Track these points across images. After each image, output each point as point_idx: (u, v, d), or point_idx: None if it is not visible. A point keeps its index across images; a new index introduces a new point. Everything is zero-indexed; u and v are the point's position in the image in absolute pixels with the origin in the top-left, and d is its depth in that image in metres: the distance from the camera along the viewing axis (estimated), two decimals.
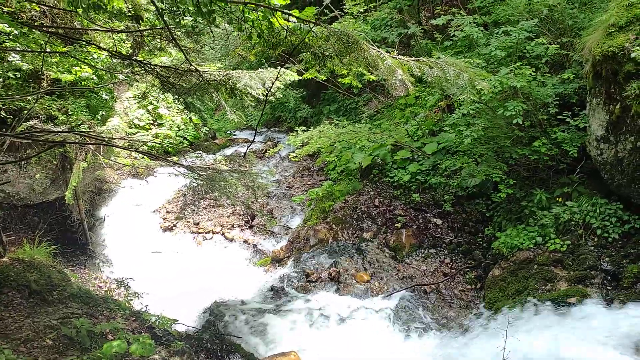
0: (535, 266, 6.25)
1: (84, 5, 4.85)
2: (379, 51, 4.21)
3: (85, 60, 8.37)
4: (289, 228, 9.99)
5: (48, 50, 6.79)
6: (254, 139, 8.87)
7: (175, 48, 6.90)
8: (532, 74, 6.71)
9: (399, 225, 8.19)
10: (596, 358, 4.06)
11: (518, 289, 6.12)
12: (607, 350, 4.28)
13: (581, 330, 4.68)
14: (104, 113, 10.80)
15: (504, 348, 3.72)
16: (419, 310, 6.44)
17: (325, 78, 7.82)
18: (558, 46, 7.17)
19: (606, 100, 6.05)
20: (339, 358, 5.49)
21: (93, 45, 6.89)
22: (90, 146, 8.00)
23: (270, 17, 3.79)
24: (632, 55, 5.05)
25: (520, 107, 6.45)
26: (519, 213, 7.13)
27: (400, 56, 4.41)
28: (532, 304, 5.40)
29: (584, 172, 6.86)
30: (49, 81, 9.00)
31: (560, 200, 6.75)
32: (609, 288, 5.63)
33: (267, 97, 4.89)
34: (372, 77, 4.99)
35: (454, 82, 4.50)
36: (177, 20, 4.73)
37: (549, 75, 7.20)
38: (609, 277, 5.76)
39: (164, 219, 10.47)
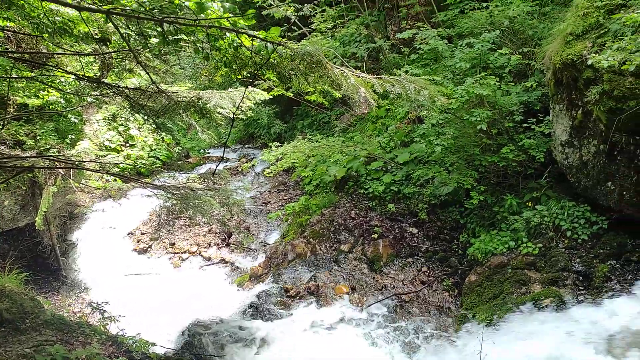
0: (510, 270, 6.37)
1: (49, 30, 4.83)
2: (342, 70, 4.30)
3: (53, 84, 8.27)
4: (267, 244, 9.96)
5: (14, 75, 6.70)
6: (222, 156, 8.86)
7: (144, 69, 6.89)
8: (497, 83, 6.92)
9: (375, 235, 8.25)
10: (571, 356, 4.16)
11: (494, 294, 6.23)
12: (581, 347, 4.38)
13: (555, 330, 4.79)
14: (73, 136, 10.65)
15: (480, 351, 3.78)
16: (399, 319, 6.48)
17: (292, 95, 7.92)
18: (520, 56, 7.41)
19: (568, 106, 6.27)
20: None
21: (60, 69, 6.82)
22: (60, 170, 7.88)
23: (236, 42, 3.84)
24: (589, 62, 5.26)
25: (485, 113, 6.63)
26: (491, 219, 7.28)
27: (363, 74, 4.51)
28: (508, 308, 5.50)
29: (552, 177, 7.06)
30: (15, 106, 8.85)
31: (530, 204, 6.93)
32: (581, 288, 5.79)
33: (236, 116, 4.92)
34: (338, 95, 5.08)
35: (415, 98, 4.62)
36: (143, 43, 4.74)
37: (513, 84, 7.43)
38: (581, 278, 5.92)
39: (138, 240, 10.32)
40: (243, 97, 4.85)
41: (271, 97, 6.69)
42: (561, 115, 6.44)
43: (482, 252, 6.86)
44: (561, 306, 5.37)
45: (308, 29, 11.57)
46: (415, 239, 8.18)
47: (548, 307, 5.36)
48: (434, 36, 8.24)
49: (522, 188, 7.23)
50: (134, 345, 5.43)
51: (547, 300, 5.47)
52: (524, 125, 7.04)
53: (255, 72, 4.10)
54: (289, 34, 11.32)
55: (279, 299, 7.25)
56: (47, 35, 5.17)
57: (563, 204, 6.59)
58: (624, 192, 5.77)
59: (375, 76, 4.56)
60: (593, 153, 6.05)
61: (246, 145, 17.41)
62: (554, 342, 4.56)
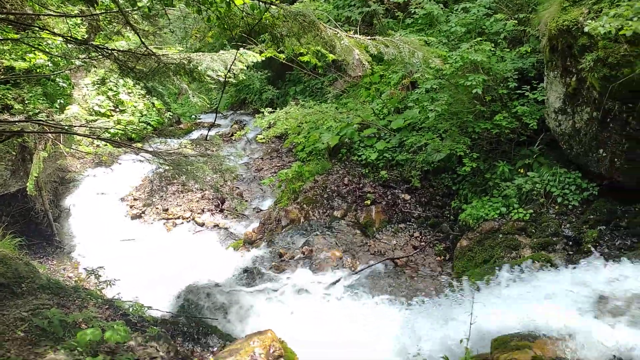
0: (501, 235, 6.48)
1: None
2: (335, 31, 4.24)
3: (40, 47, 8.08)
4: (260, 210, 10.01)
5: None
6: (214, 121, 8.77)
7: (133, 32, 6.74)
8: (492, 49, 6.87)
9: (368, 202, 8.31)
10: (560, 317, 4.28)
11: (485, 258, 6.35)
12: (569, 309, 4.51)
13: (544, 293, 4.91)
14: (62, 101, 10.48)
15: (471, 313, 3.89)
16: (391, 283, 6.61)
17: (284, 57, 7.79)
18: (516, 21, 7.34)
19: (563, 73, 6.25)
20: (314, 332, 5.59)
21: (47, 31, 6.65)
22: (50, 135, 7.79)
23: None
24: (585, 29, 5.22)
25: (481, 78, 6.60)
26: (483, 185, 7.34)
27: (357, 35, 4.45)
28: (498, 271, 5.62)
29: (544, 144, 7.10)
30: (2, 69, 8.66)
31: (522, 171, 6.99)
32: (571, 253, 5.91)
33: (227, 78, 4.85)
34: (331, 57, 5.01)
35: (409, 60, 4.57)
36: (132, 2, 4.62)
37: (508, 50, 7.37)
38: (570, 243, 6.04)
39: (131, 206, 10.32)
40: (235, 59, 4.77)
41: (263, 59, 6.58)
42: (555, 82, 6.42)
43: (474, 218, 6.95)
44: (551, 270, 5.48)
45: None
46: (407, 205, 8.26)
47: (538, 270, 5.48)
48: (430, 0, 8.10)
49: (515, 155, 7.28)
50: (131, 309, 5.51)
51: (537, 264, 5.59)
52: (517, 92, 7.02)
53: (248, 32, 4.02)
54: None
55: (273, 263, 7.35)
56: None
57: (555, 171, 6.65)
58: (615, 159, 5.83)
59: (369, 37, 4.50)
60: (586, 120, 6.07)
61: (238, 111, 17.25)
62: (543, 304, 4.68)
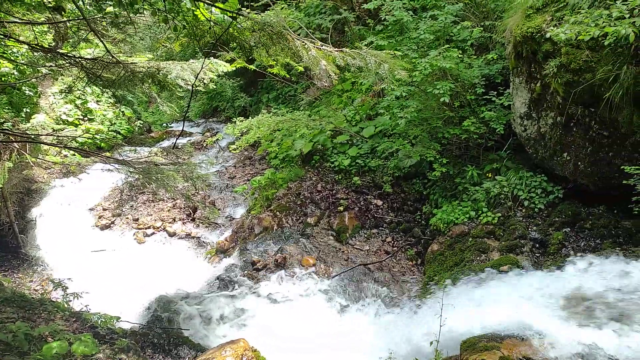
0: (470, 239, 6.58)
1: None
2: (303, 42, 4.27)
3: (4, 55, 7.89)
4: (233, 218, 9.93)
5: None
6: (182, 128, 8.67)
7: (102, 39, 6.64)
8: (460, 56, 7.00)
9: (341, 208, 8.34)
10: (526, 318, 4.36)
11: (455, 262, 6.43)
12: (536, 310, 4.60)
13: (513, 294, 5.00)
14: (28, 110, 10.25)
15: (441, 315, 3.93)
16: (364, 288, 6.63)
17: (255, 67, 7.79)
18: (482, 29, 7.50)
19: (528, 79, 6.41)
20: (288, 341, 5.57)
21: (12, 39, 6.50)
22: (15, 145, 7.59)
23: (193, 9, 3.75)
24: (547, 35, 5.37)
25: (449, 86, 6.72)
26: (453, 190, 7.46)
27: (325, 47, 4.49)
28: (468, 275, 5.70)
29: (511, 148, 7.27)
30: None
31: (490, 175, 7.13)
32: (537, 255, 6.04)
33: (196, 87, 4.83)
34: (300, 68, 5.04)
35: (375, 71, 4.64)
36: (99, 9, 4.57)
37: (475, 57, 7.53)
38: (537, 245, 6.17)
39: (100, 216, 10.11)
40: (202, 68, 4.76)
41: (234, 69, 6.57)
42: (520, 88, 6.58)
43: (444, 222, 7.05)
44: (518, 272, 5.59)
45: None
46: (380, 210, 8.32)
47: (506, 273, 5.57)
48: (399, 8, 8.23)
49: (483, 159, 7.42)
50: (99, 321, 5.38)
51: (505, 267, 5.69)
52: (485, 97, 7.17)
53: (215, 42, 4.02)
54: (252, 4, 11.09)
55: (246, 271, 7.29)
56: None
57: (521, 175, 6.81)
58: (579, 163, 6.00)
59: (337, 49, 4.55)
60: (550, 125, 6.24)
61: (210, 119, 17.13)
62: (511, 305, 4.76)
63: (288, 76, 7.75)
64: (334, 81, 4.57)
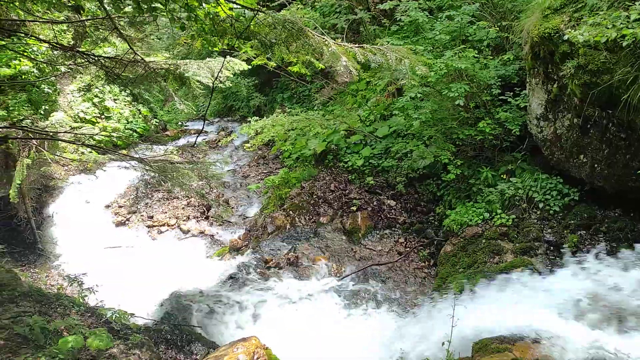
0: (484, 240, 6.54)
1: None
2: (323, 38, 4.27)
3: (25, 53, 8.03)
4: (246, 217, 9.99)
5: None
6: (202, 128, 8.75)
7: (119, 38, 6.73)
8: (476, 56, 6.95)
9: (354, 208, 8.34)
10: (540, 320, 4.33)
11: (468, 263, 6.39)
12: (549, 313, 4.56)
13: (526, 297, 4.96)
14: (47, 107, 10.39)
15: (453, 316, 3.92)
16: (375, 288, 6.63)
17: (274, 65, 7.81)
18: (498, 29, 7.44)
19: (544, 80, 6.35)
20: (299, 339, 5.59)
21: (32, 37, 6.62)
22: (34, 141, 7.72)
23: (213, 12, 3.78)
24: (565, 37, 5.31)
25: (464, 88, 6.68)
26: (467, 191, 7.41)
27: (344, 43, 4.49)
28: (481, 276, 5.66)
29: (527, 150, 7.19)
30: None
31: (505, 177, 7.06)
32: (552, 257, 5.97)
33: (215, 85, 4.87)
34: (320, 66, 5.04)
35: (396, 67, 4.63)
36: (118, 8, 4.63)
37: (491, 57, 7.47)
38: (552, 247, 6.10)
39: (116, 213, 10.24)
40: (222, 67, 4.79)
41: (250, 67, 6.60)
42: (537, 89, 6.52)
43: (458, 224, 7.01)
44: (532, 275, 5.54)
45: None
46: (393, 211, 8.30)
47: (519, 275, 5.53)
48: (415, 8, 8.20)
49: (498, 161, 7.36)
50: (114, 317, 5.46)
51: (518, 269, 5.64)
52: (501, 98, 7.12)
53: (236, 40, 4.04)
54: (268, 4, 11.14)
55: (258, 270, 7.33)
56: (18, 1, 5.00)
57: (537, 177, 6.74)
58: (595, 165, 5.92)
59: (357, 45, 4.55)
60: (567, 126, 6.17)
61: (225, 118, 17.23)
62: (524, 307, 4.73)
63: (309, 74, 7.75)
64: (355, 77, 4.56)
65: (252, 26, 4.13)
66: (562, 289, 4.98)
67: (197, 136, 8.70)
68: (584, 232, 6.01)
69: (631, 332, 4.04)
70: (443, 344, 3.83)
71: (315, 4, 12.38)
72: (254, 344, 4.91)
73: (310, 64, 6.40)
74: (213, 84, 4.98)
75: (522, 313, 4.57)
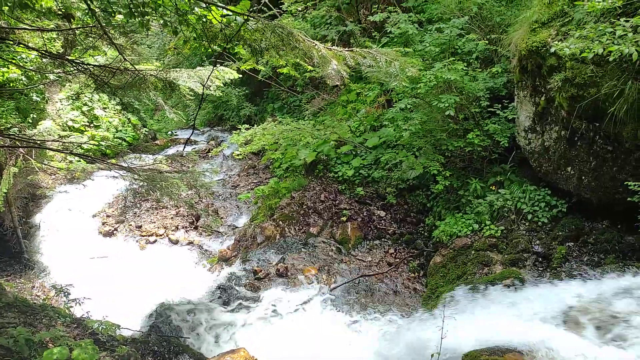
0: (473, 252, 6.56)
1: (9, 4, 4.64)
2: (313, 42, 4.30)
3: (14, 61, 7.97)
4: (236, 227, 9.94)
5: None
6: (190, 136, 8.71)
7: (109, 46, 6.71)
8: (465, 68, 7.03)
9: (344, 218, 8.34)
10: (528, 332, 4.34)
11: (458, 274, 6.41)
12: (538, 324, 4.58)
13: (515, 308, 4.97)
14: (35, 116, 10.33)
15: (442, 327, 3.92)
16: (366, 299, 6.61)
17: (265, 73, 7.83)
18: (487, 42, 7.54)
19: (532, 93, 6.43)
20: (288, 351, 5.55)
21: (21, 45, 6.57)
22: (21, 150, 7.64)
23: (204, 17, 3.79)
24: (552, 49, 5.39)
25: (453, 99, 6.74)
26: (456, 202, 7.45)
27: (334, 47, 4.52)
28: (470, 288, 5.67)
29: (515, 161, 7.26)
30: None
31: (493, 188, 7.11)
32: (541, 269, 6.01)
33: (204, 93, 4.86)
34: (310, 68, 5.05)
35: (386, 70, 4.66)
36: (107, 20, 4.62)
37: (480, 70, 7.56)
38: (540, 259, 6.14)
39: (104, 223, 10.14)
40: (211, 74, 4.79)
41: (241, 77, 6.60)
42: (525, 102, 6.60)
43: (447, 235, 7.03)
44: (521, 286, 5.56)
45: (279, 10, 11.46)
46: (382, 221, 8.31)
47: (509, 286, 5.55)
48: (405, 20, 8.28)
49: (487, 172, 7.41)
50: (100, 328, 5.37)
51: (507, 281, 5.66)
52: (489, 110, 7.19)
53: (226, 45, 4.05)
54: (259, 15, 11.18)
55: (247, 281, 7.28)
56: (7, 8, 4.97)
57: (525, 188, 6.79)
58: (583, 177, 5.99)
59: (347, 49, 4.58)
60: (554, 139, 6.24)
61: (215, 128, 17.21)
62: (513, 319, 4.74)
63: (300, 78, 7.78)
64: (346, 80, 4.58)
65: (242, 32, 4.14)
66: (552, 300, 4.99)
67: (185, 145, 8.65)
68: (572, 243, 6.06)
69: (621, 344, 4.06)
70: (432, 355, 3.81)
71: (306, 15, 12.46)
72: (242, 355, 4.87)
73: (300, 67, 6.42)
74: (203, 91, 4.98)
75: (512, 324, 4.58)
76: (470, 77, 7.22)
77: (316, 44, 4.33)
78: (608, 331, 4.32)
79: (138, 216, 10.35)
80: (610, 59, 4.44)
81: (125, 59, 4.84)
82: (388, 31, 8.69)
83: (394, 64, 4.59)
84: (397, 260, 7.58)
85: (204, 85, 5.01)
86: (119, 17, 5.59)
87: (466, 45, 7.52)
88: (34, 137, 7.83)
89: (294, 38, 4.05)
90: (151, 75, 5.02)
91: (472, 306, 5.30)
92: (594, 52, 4.18)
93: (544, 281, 5.57)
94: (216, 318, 6.41)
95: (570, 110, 5.75)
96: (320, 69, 4.58)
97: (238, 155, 9.75)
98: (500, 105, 7.08)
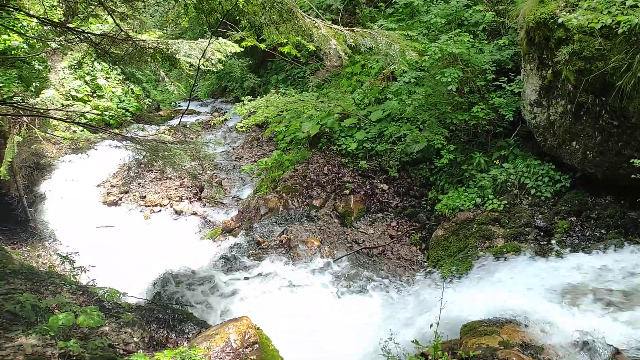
0: (475, 225, 6.58)
1: None
2: (313, 20, 4.23)
3: (15, 28, 7.89)
4: (239, 199, 9.99)
5: None
6: (187, 108, 8.65)
7: (111, 15, 6.61)
8: (471, 40, 6.92)
9: (347, 191, 8.36)
10: (527, 304, 4.39)
11: (459, 248, 6.45)
12: (537, 297, 4.63)
13: (515, 282, 5.02)
14: (37, 84, 10.28)
15: (442, 298, 3.97)
16: (367, 271, 6.68)
17: (264, 47, 7.73)
18: (494, 13, 7.40)
19: (539, 66, 6.34)
20: (290, 320, 5.64)
21: (22, 12, 6.49)
22: (25, 118, 7.64)
23: None
24: (560, 20, 5.29)
25: (457, 74, 6.65)
26: (460, 176, 7.44)
27: (335, 26, 4.45)
28: (471, 260, 5.72)
29: (520, 136, 7.21)
30: None
31: (497, 162, 7.09)
32: (542, 243, 6.03)
33: (202, 65, 4.82)
34: (311, 47, 4.99)
35: (386, 52, 4.60)
36: None
37: (487, 42, 7.44)
38: (542, 233, 6.16)
39: (108, 193, 10.20)
40: (208, 46, 4.73)
41: (243, 49, 6.52)
42: (531, 75, 6.51)
43: (450, 208, 7.04)
44: (522, 259, 5.60)
45: None
46: (385, 195, 8.32)
47: (509, 260, 5.59)
48: None
49: (491, 146, 7.37)
50: (105, 295, 5.47)
51: (509, 254, 5.70)
52: (495, 83, 7.10)
53: (223, 17, 3.99)
54: None
55: (251, 251, 7.36)
56: None
57: (529, 163, 6.77)
58: (588, 152, 5.95)
59: (347, 28, 4.51)
60: (560, 113, 6.18)
61: (219, 99, 17.12)
62: (512, 292, 4.79)
63: (299, 55, 7.68)
64: (345, 61, 4.53)
65: (240, 5, 4.07)
66: (551, 274, 5.04)
67: (182, 116, 8.62)
68: (575, 218, 6.06)
69: (618, 317, 4.12)
70: (431, 325, 3.87)
71: None
72: (245, 323, 4.94)
73: (303, 45, 6.35)
74: (199, 63, 4.93)
75: (511, 297, 4.63)
76: (476, 50, 7.11)
77: (316, 22, 4.26)
78: (607, 304, 4.36)
79: (142, 186, 10.39)
80: (619, 31, 4.37)
81: (121, 29, 4.78)
82: (393, 1, 8.53)
83: (394, 47, 4.52)
84: (399, 233, 7.62)
85: (200, 58, 4.95)
86: None
87: (473, 16, 7.40)
88: (37, 106, 7.81)
89: (294, 15, 3.99)
90: (150, 48, 4.96)
91: (473, 278, 5.36)
92: (602, 22, 4.10)
93: (545, 255, 5.60)
94: (219, 287, 6.51)
95: (577, 84, 5.68)
96: (321, 48, 4.52)
97: (242, 128, 9.71)
98: (506, 79, 7.00)
